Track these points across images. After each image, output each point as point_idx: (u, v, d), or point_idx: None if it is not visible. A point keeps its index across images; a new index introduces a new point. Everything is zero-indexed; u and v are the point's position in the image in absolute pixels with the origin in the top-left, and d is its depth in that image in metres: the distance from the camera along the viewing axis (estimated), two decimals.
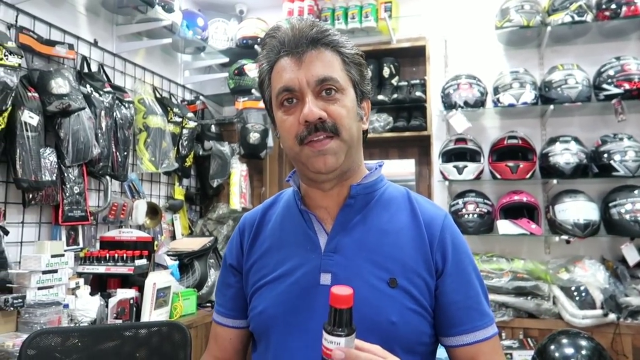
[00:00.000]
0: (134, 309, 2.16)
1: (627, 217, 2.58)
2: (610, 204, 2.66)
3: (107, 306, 2.10)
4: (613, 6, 2.70)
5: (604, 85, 2.71)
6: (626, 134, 2.72)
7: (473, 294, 0.92)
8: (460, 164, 2.86)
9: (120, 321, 2.09)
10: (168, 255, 2.65)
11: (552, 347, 1.78)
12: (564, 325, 2.48)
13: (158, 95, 2.92)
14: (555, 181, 2.74)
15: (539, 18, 2.82)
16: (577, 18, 2.74)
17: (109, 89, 2.41)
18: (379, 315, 0.85)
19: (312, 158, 0.87)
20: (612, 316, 2.44)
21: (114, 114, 2.43)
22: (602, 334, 2.40)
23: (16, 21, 2.05)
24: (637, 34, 2.91)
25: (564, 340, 1.79)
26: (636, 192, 2.63)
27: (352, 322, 0.67)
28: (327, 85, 0.87)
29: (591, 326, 2.43)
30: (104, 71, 2.53)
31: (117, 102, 2.46)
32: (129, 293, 2.17)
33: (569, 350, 1.74)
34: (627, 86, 2.63)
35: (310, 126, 0.85)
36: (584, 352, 1.72)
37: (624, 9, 2.67)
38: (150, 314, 2.21)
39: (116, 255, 2.27)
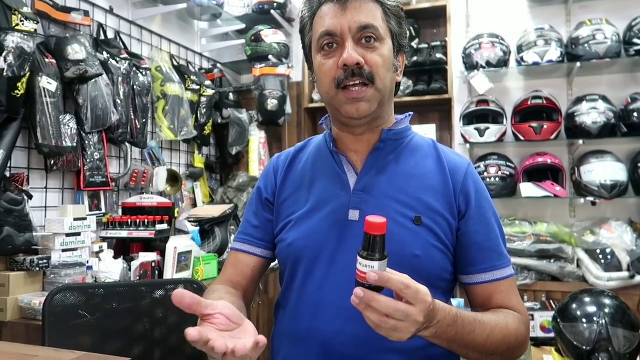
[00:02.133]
0: (156, 272, 2.21)
1: None
2: None
3: (129, 269, 2.15)
4: None
5: (635, 40, 2.59)
6: None
7: (493, 236, 0.97)
8: (482, 126, 2.79)
9: None
10: (189, 221, 2.68)
11: (574, 305, 1.73)
12: (588, 287, 2.43)
13: (175, 63, 2.92)
14: (581, 142, 2.65)
15: None
16: None
17: (125, 55, 2.42)
18: (404, 249, 0.91)
19: (345, 105, 0.91)
20: (638, 278, 2.38)
21: (132, 81, 2.44)
22: (628, 296, 2.35)
23: None
24: None
25: (587, 299, 1.74)
26: None
27: (385, 248, 0.71)
28: (367, 32, 0.90)
29: (616, 288, 2.38)
30: (121, 38, 2.53)
31: (134, 69, 2.47)
32: (150, 256, 2.21)
33: (592, 309, 1.69)
34: None
35: (347, 70, 0.89)
36: (607, 310, 1.66)
37: None
38: (172, 276, 2.25)
39: (138, 220, 2.31)
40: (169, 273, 2.24)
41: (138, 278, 2.13)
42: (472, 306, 1.00)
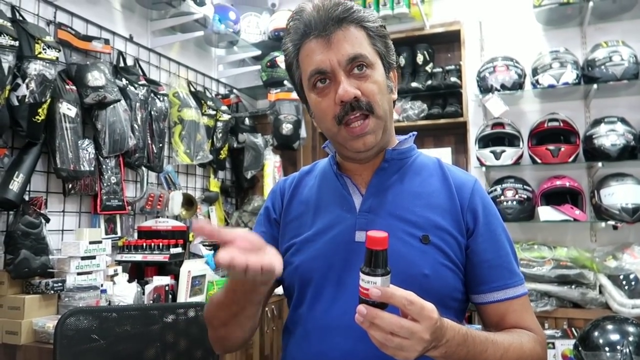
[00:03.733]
0: (170, 295, 2.21)
1: None
2: None
3: (143, 293, 2.15)
4: None
5: None
6: None
7: (503, 253, 0.95)
8: (498, 148, 2.77)
9: None
10: (203, 245, 2.69)
11: (596, 333, 1.68)
12: (611, 314, 2.35)
13: (192, 89, 2.97)
14: (600, 164, 2.60)
15: None
16: None
17: (143, 82, 2.47)
18: (413, 268, 0.89)
19: (350, 140, 0.91)
20: None
21: (149, 106, 2.49)
22: None
23: (55, 17, 2.13)
24: None
25: (609, 327, 1.68)
26: None
27: (387, 263, 0.70)
28: (357, 62, 0.90)
29: None
30: (139, 65, 2.60)
31: (152, 95, 2.52)
32: (164, 280, 2.21)
33: (615, 337, 1.64)
34: None
35: (346, 105, 0.89)
36: (631, 338, 1.61)
37: None
38: (186, 300, 2.24)
39: (152, 243, 2.33)
40: (183, 297, 2.23)
41: (151, 302, 2.13)
42: (485, 326, 0.98)
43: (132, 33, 2.60)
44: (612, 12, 2.78)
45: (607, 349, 1.63)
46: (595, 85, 2.62)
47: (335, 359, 0.89)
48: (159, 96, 2.58)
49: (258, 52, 3.33)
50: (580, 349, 1.68)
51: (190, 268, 2.29)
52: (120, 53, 2.47)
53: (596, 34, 2.91)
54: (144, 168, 2.51)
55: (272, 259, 0.75)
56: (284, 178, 1.14)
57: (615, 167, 2.67)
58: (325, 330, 0.91)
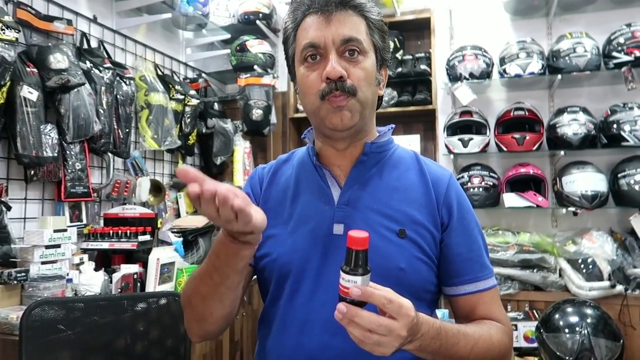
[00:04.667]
0: (138, 284, 2.17)
1: (637, 187, 2.54)
2: (620, 175, 2.61)
3: (111, 281, 2.11)
4: None
5: (614, 53, 2.64)
6: (636, 103, 2.65)
7: (475, 247, 0.98)
8: (466, 136, 2.82)
9: None
10: (172, 232, 2.65)
11: (557, 315, 1.76)
12: (571, 297, 2.45)
13: (160, 73, 2.90)
14: (562, 153, 2.69)
15: None
16: None
17: (109, 65, 2.40)
18: (389, 262, 0.91)
19: (330, 114, 0.91)
20: (619, 288, 2.41)
21: (115, 90, 2.42)
22: (610, 306, 2.37)
23: None
24: None
25: (569, 309, 1.77)
26: None
27: (367, 263, 0.71)
28: (351, 45, 0.90)
29: (598, 298, 2.40)
30: (104, 48, 2.51)
31: (117, 78, 2.45)
32: (132, 268, 2.17)
33: (574, 319, 1.72)
34: (637, 53, 2.56)
35: (331, 83, 0.89)
36: (589, 320, 1.69)
37: None
38: (155, 289, 2.22)
39: (120, 231, 2.28)
40: (151, 285, 2.21)
41: (119, 290, 2.10)
42: (456, 317, 1.00)
43: (96, 14, 2.50)
44: (577, 4, 2.86)
45: (566, 330, 1.71)
46: (559, 76, 2.69)
47: (313, 351, 0.89)
48: (125, 80, 2.51)
49: (227, 36, 3.27)
50: (541, 330, 1.75)
51: (159, 256, 2.25)
52: (83, 34, 2.38)
53: (561, 25, 2.99)
54: (110, 154, 2.44)
55: (258, 210, 0.75)
56: (262, 166, 1.12)
57: (577, 155, 2.76)
58: (304, 323, 0.91)
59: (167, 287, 2.30)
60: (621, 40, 2.63)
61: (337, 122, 0.91)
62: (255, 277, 1.08)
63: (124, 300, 1.44)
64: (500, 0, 2.92)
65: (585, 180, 2.63)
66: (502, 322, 0.96)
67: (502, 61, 2.84)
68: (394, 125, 1.07)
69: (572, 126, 2.66)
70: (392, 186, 0.98)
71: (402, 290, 0.84)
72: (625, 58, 2.59)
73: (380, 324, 0.69)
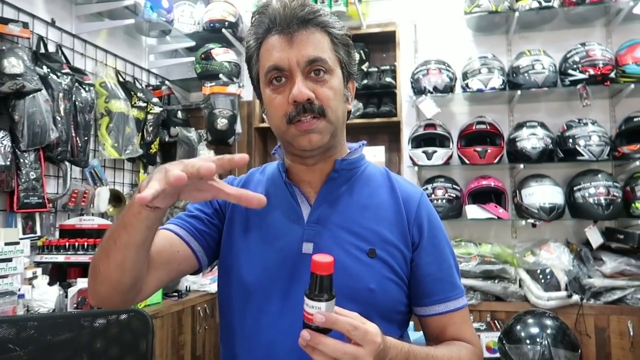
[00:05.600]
0: None
1: (591, 200, 2.64)
2: (575, 188, 2.71)
3: (66, 296, 2.02)
4: None
5: (570, 71, 2.75)
6: (590, 119, 2.77)
7: (446, 266, 0.96)
8: (430, 149, 2.87)
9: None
10: None
11: (518, 327, 1.80)
12: (530, 307, 2.51)
13: (121, 79, 2.82)
14: (522, 166, 2.77)
15: (506, 4, 2.83)
16: (544, 3, 2.76)
17: (67, 70, 2.31)
18: (358, 282, 0.88)
19: (297, 137, 0.89)
20: (575, 297, 2.49)
21: (73, 97, 2.33)
22: (567, 315, 2.45)
23: None
24: (601, 20, 2.96)
25: (530, 320, 1.81)
26: (600, 176, 2.68)
27: (332, 288, 0.69)
28: (316, 66, 0.88)
29: (556, 307, 2.47)
30: (62, 52, 2.42)
31: (76, 84, 2.36)
32: None
33: (535, 330, 1.76)
34: (591, 72, 2.67)
35: (298, 106, 0.87)
36: (549, 330, 1.74)
37: None
38: None
39: (77, 243, 2.19)
40: None
41: (75, 306, 2.01)
42: (427, 338, 0.99)
43: (55, 17, 2.41)
44: (535, 22, 2.96)
45: (527, 341, 1.75)
46: (519, 91, 2.78)
47: None
48: (84, 86, 2.42)
49: (192, 43, 3.22)
50: (504, 342, 1.78)
51: None
52: (40, 38, 2.29)
53: (520, 42, 3.09)
54: (67, 162, 2.34)
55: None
56: (233, 177, 1.09)
57: (535, 168, 2.85)
58: (269, 347, 0.88)
59: None
60: (576, 58, 2.74)
61: (305, 144, 0.89)
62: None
63: (80, 318, 1.38)
64: (463, 17, 3.00)
65: (544, 193, 2.72)
66: (472, 343, 0.96)
67: (465, 76, 2.91)
68: (365, 142, 1.06)
69: (531, 140, 2.74)
70: (362, 204, 0.96)
71: (371, 311, 0.84)
72: (580, 76, 2.70)
73: (345, 351, 0.68)
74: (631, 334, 2.42)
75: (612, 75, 2.68)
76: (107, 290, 0.83)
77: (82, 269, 2.22)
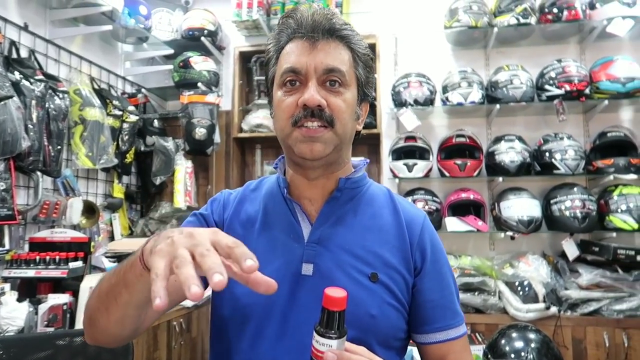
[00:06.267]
0: (68, 315, 2.00)
1: (567, 213, 2.68)
2: (552, 201, 2.76)
3: (36, 313, 1.92)
4: (555, 10, 2.81)
5: (546, 86, 2.81)
6: (566, 133, 2.83)
7: (447, 293, 0.94)
8: (410, 161, 2.87)
9: (52, 329, 1.92)
10: (106, 257, 2.48)
11: (503, 341, 1.80)
12: (509, 319, 2.54)
13: (96, 87, 2.73)
14: (500, 179, 2.81)
15: (486, 19, 2.88)
16: (522, 20, 2.82)
17: (41, 77, 2.22)
18: (359, 308, 0.85)
19: (300, 142, 0.86)
20: (553, 309, 2.52)
21: (47, 104, 2.24)
22: (545, 327, 2.46)
23: None
24: (576, 37, 3.04)
25: (514, 334, 1.81)
26: (575, 189, 2.73)
27: (344, 324, 0.66)
28: (333, 76, 0.86)
29: (534, 319, 2.50)
30: (36, 58, 2.33)
31: (50, 91, 2.27)
32: (62, 298, 2.00)
33: (519, 344, 1.76)
34: (567, 87, 2.74)
35: (307, 110, 0.85)
36: (533, 344, 1.74)
37: (565, 13, 2.78)
38: None
39: (47, 257, 2.10)
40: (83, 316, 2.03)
41: (47, 323, 1.92)
42: None
43: (28, 21, 2.32)
44: (513, 38, 3.02)
45: (512, 355, 1.75)
46: (497, 105, 2.82)
47: None
48: (58, 93, 2.33)
49: (170, 51, 3.16)
50: (489, 356, 1.78)
51: (92, 284, 2.09)
52: (12, 43, 2.20)
53: (498, 56, 3.15)
54: (38, 172, 2.24)
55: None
56: (228, 191, 1.04)
57: (513, 181, 2.89)
58: None
59: None
60: (553, 74, 2.80)
61: (306, 152, 0.86)
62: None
63: (57, 340, 1.30)
64: (442, 31, 3.03)
65: (522, 206, 2.75)
66: None
67: (445, 89, 2.94)
68: (368, 160, 1.03)
69: (509, 154, 2.78)
70: (365, 225, 0.92)
71: (371, 338, 0.82)
72: (557, 91, 2.76)
73: None
74: (607, 344, 2.46)
75: (587, 91, 2.75)
76: (105, 340, 0.83)
77: (53, 284, 2.13)
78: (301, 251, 0.89)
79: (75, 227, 2.48)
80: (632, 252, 2.53)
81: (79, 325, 2.00)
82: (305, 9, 0.89)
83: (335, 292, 0.65)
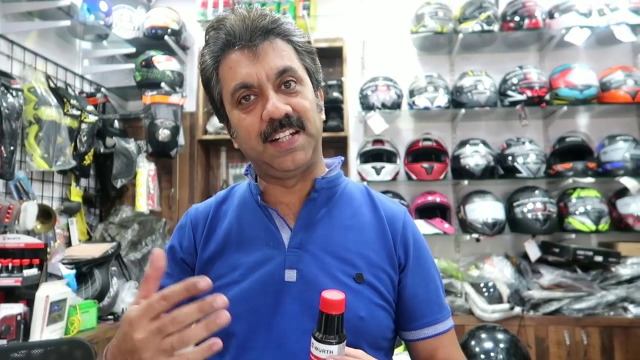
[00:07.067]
0: (22, 326, 1.88)
1: (529, 215, 2.76)
2: (514, 204, 2.82)
3: None
4: (517, 18, 2.89)
5: (509, 92, 2.88)
6: (528, 138, 2.91)
7: (432, 287, 0.93)
8: (378, 164, 2.88)
9: (4, 341, 1.80)
10: (63, 263, 2.36)
11: (473, 342, 1.81)
12: (476, 320, 2.58)
13: (52, 85, 2.60)
14: (466, 182, 2.85)
15: (451, 25, 2.93)
16: (485, 27, 2.88)
17: None
18: (348, 311, 0.82)
19: (278, 158, 0.83)
20: (517, 309, 2.57)
21: None
22: (509, 327, 2.49)
23: None
24: (536, 45, 3.14)
25: (483, 335, 1.83)
26: (537, 192, 2.81)
27: (343, 328, 0.64)
28: (287, 76, 0.82)
29: (499, 320, 2.54)
30: None
31: (2, 89, 2.14)
32: (15, 308, 1.89)
33: (489, 345, 1.78)
34: (529, 93, 2.82)
35: (274, 123, 0.81)
36: (502, 345, 1.77)
37: (527, 21, 2.86)
38: (42, 331, 1.93)
39: (0, 264, 1.97)
40: (38, 327, 1.92)
41: None
42: None
43: None
44: (477, 44, 3.09)
45: (482, 356, 1.77)
46: (463, 110, 2.87)
47: None
48: (11, 91, 2.20)
49: (131, 50, 3.05)
50: None
51: (48, 292, 1.98)
52: None
53: (462, 62, 3.21)
54: None
55: None
56: (195, 207, 0.99)
57: (478, 184, 2.95)
58: None
59: (57, 327, 2.03)
60: (515, 80, 2.88)
61: (288, 165, 0.83)
62: None
63: (13, 352, 1.22)
64: (409, 36, 3.06)
65: (486, 209, 2.81)
66: None
67: (412, 93, 2.97)
68: (343, 158, 1.00)
69: (474, 157, 2.83)
70: (346, 225, 0.90)
71: (360, 340, 0.80)
72: (519, 97, 2.84)
73: None
74: (567, 343, 2.53)
75: (547, 97, 2.84)
76: None
77: (6, 294, 2.00)
78: (282, 257, 0.86)
79: (29, 233, 2.34)
80: (591, 253, 2.63)
81: (34, 336, 1.89)
82: (233, 16, 0.83)
83: (333, 295, 0.62)
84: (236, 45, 0.82)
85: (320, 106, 0.91)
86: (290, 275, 0.85)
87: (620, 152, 2.79)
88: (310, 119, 0.84)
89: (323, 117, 0.93)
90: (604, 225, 2.73)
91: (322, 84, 0.94)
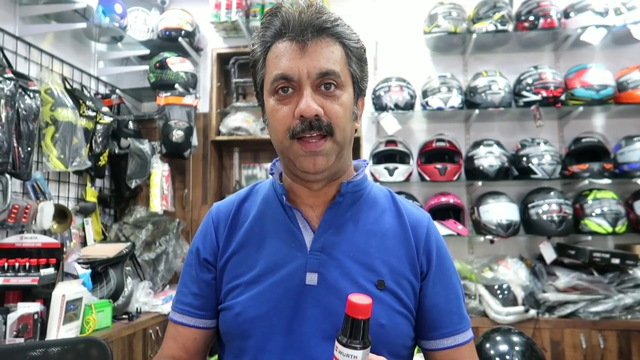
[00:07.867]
0: (39, 325, 1.91)
1: (544, 217, 2.73)
2: (529, 205, 2.80)
3: (5, 323, 1.83)
4: (532, 18, 2.86)
5: (524, 92, 2.85)
6: (542, 138, 2.88)
7: (453, 297, 0.91)
8: (391, 165, 2.87)
9: (21, 340, 1.82)
10: (79, 263, 2.38)
11: (488, 345, 1.79)
12: (490, 322, 2.55)
13: (68, 87, 2.63)
14: (479, 183, 2.83)
15: (465, 25, 2.91)
16: (499, 27, 2.86)
17: (10, 75, 2.12)
18: None
19: (301, 157, 0.82)
20: (532, 312, 2.55)
21: (17, 104, 2.14)
22: (524, 329, 2.47)
23: None
24: (551, 45, 3.10)
25: (498, 338, 1.81)
26: (552, 193, 2.78)
27: (368, 333, 0.63)
28: (327, 79, 0.81)
29: (514, 322, 2.52)
30: (4, 55, 2.23)
31: (20, 91, 2.17)
32: (32, 307, 1.91)
33: (504, 347, 1.76)
34: (544, 94, 2.79)
35: (305, 122, 0.80)
36: (517, 348, 1.75)
37: (541, 20, 2.83)
38: (59, 330, 1.96)
39: (17, 264, 2.00)
40: (55, 326, 1.95)
41: (16, 334, 1.82)
42: None
43: None
44: (490, 45, 3.07)
45: (497, 359, 1.75)
46: (477, 110, 2.85)
47: None
48: (28, 92, 2.23)
49: (146, 51, 3.08)
50: None
51: (64, 291, 2.00)
52: None
53: (475, 63, 3.19)
54: (7, 175, 2.13)
55: None
56: (217, 205, 0.99)
57: (492, 186, 2.92)
58: None
59: (73, 326, 2.05)
60: (529, 80, 2.85)
61: (309, 166, 0.82)
62: None
63: (30, 351, 1.23)
64: (422, 36, 3.05)
65: (501, 210, 2.78)
66: None
67: (425, 94, 2.95)
68: (367, 161, 1.00)
69: (488, 158, 2.81)
70: (369, 230, 0.89)
71: (381, 349, 0.79)
72: (534, 97, 2.81)
73: None
74: (583, 346, 2.50)
75: (562, 97, 2.81)
76: None
77: (23, 292, 2.03)
78: (304, 260, 0.85)
79: (46, 233, 2.37)
80: (607, 255, 2.59)
81: (50, 335, 1.91)
82: (289, 5, 0.82)
83: (361, 299, 0.62)
84: (287, 36, 0.82)
85: (356, 114, 0.89)
86: (312, 278, 0.84)
87: (637, 153, 2.75)
88: (341, 126, 0.83)
89: (357, 125, 0.90)
90: (620, 227, 2.69)
91: (365, 92, 0.93)
